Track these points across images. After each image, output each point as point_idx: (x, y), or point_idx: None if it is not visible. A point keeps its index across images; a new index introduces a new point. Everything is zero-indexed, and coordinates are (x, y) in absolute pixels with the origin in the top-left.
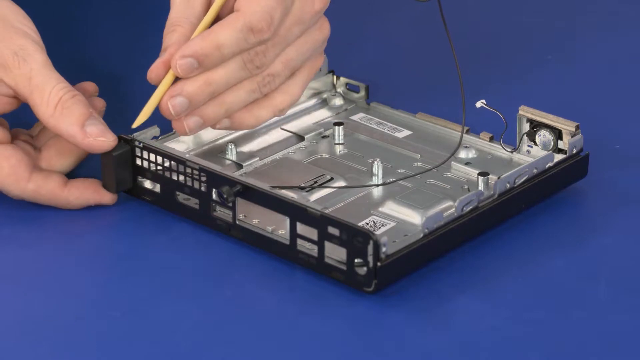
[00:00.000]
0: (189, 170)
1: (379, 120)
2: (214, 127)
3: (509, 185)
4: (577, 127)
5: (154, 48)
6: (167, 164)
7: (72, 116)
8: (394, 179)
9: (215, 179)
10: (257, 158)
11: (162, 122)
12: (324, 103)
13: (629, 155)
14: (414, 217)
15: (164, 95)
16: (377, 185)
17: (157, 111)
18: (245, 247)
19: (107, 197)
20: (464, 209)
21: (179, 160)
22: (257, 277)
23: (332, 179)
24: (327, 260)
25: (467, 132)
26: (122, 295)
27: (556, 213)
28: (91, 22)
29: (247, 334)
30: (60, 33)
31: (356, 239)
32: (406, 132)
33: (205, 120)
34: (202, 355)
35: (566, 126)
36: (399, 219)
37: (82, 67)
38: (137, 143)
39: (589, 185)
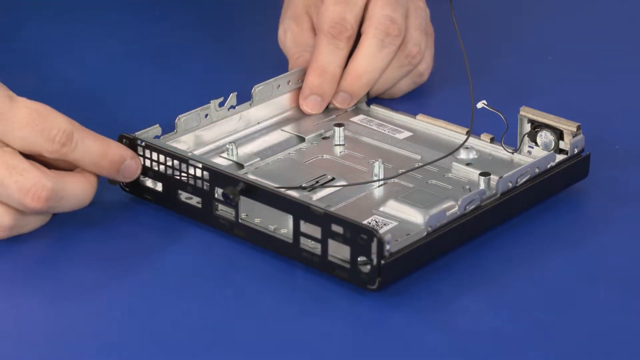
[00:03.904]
0: (191, 169)
1: (379, 122)
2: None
3: (511, 184)
4: (579, 128)
5: (156, 50)
6: (169, 162)
7: None
8: (398, 173)
9: (218, 178)
10: (258, 158)
11: (164, 122)
12: None
13: (629, 155)
14: (416, 217)
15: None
16: (379, 180)
17: (157, 110)
18: (247, 247)
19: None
20: (467, 207)
21: (182, 159)
22: (258, 277)
23: (333, 179)
24: (330, 258)
25: (467, 133)
26: (122, 295)
27: (557, 213)
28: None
29: (248, 334)
30: (63, 32)
31: (360, 236)
32: (406, 134)
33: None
34: (202, 355)
35: (568, 127)
36: (400, 219)
37: (84, 67)
38: (139, 142)
39: (590, 185)
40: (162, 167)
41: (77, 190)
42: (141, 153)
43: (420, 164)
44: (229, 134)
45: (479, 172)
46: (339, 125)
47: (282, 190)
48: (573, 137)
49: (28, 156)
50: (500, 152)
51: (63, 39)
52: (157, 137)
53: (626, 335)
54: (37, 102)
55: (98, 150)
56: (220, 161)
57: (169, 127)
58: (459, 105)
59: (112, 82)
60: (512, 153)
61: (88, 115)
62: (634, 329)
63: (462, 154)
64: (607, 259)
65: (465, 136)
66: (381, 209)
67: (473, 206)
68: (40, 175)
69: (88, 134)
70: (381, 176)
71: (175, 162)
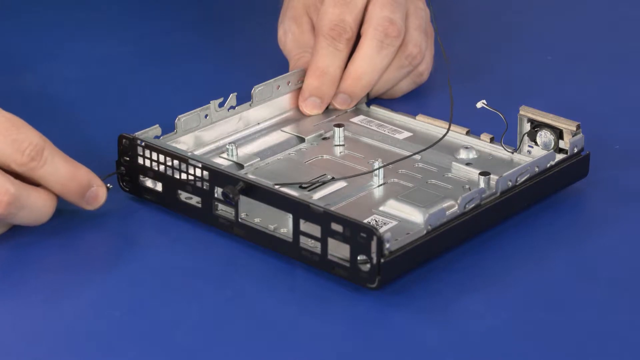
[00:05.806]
0: (191, 169)
1: (379, 122)
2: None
3: (510, 183)
4: (578, 127)
5: (156, 50)
6: (169, 162)
7: None
8: (385, 164)
9: (218, 177)
10: (258, 159)
11: (164, 122)
12: None
13: (629, 155)
14: (416, 216)
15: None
16: (378, 169)
17: (157, 110)
18: (246, 247)
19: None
20: (467, 206)
21: (182, 159)
22: (257, 277)
23: (333, 178)
24: (330, 257)
25: (467, 133)
26: (122, 295)
27: (557, 213)
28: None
29: (248, 334)
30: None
31: (360, 235)
32: (406, 134)
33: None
34: (202, 355)
35: (567, 126)
36: (400, 218)
37: (84, 67)
38: (139, 142)
39: (590, 185)
40: (162, 167)
41: (38, 204)
42: (141, 153)
43: (420, 164)
44: (228, 134)
45: (478, 171)
46: (339, 125)
47: (282, 188)
48: (573, 136)
49: None
50: (500, 151)
51: (63, 39)
52: (157, 137)
53: (626, 335)
54: (12, 114)
55: (66, 171)
56: (220, 161)
57: (169, 127)
58: (459, 105)
59: (112, 82)
60: (512, 153)
61: (88, 115)
62: (634, 329)
63: (462, 154)
64: (607, 259)
65: (446, 130)
66: (381, 208)
67: (473, 205)
68: (5, 180)
69: (59, 153)
70: (381, 177)
71: (175, 162)
